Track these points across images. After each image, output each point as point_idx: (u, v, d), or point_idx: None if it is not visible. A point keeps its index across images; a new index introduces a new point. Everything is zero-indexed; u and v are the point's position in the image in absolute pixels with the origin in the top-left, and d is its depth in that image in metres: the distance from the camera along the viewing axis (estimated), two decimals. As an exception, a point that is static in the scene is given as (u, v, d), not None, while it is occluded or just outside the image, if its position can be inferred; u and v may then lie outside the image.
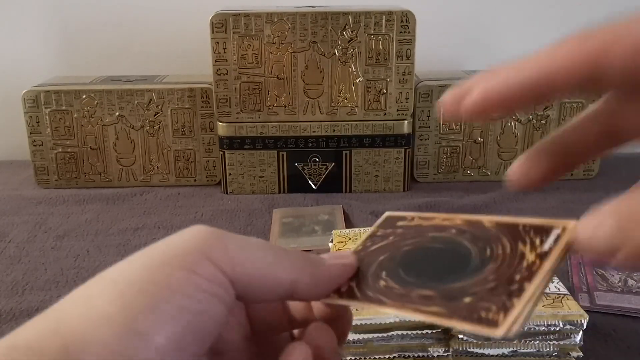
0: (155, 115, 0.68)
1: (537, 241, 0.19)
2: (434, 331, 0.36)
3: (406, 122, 0.67)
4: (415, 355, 0.36)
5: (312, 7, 0.65)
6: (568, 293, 0.37)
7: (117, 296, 0.18)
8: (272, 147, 0.67)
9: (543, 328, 0.35)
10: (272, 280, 0.20)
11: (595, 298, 0.45)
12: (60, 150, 0.69)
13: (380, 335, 0.36)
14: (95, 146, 0.69)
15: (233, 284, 0.19)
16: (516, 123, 0.69)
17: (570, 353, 0.36)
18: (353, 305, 0.22)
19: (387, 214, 0.25)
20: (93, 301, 0.18)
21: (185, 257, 0.19)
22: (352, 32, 0.63)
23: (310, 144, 0.67)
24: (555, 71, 0.17)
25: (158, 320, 0.18)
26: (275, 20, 0.62)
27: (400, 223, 0.24)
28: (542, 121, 0.69)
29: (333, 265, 0.22)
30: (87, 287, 0.19)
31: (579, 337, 0.36)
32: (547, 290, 0.37)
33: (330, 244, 0.46)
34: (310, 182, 0.68)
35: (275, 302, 0.23)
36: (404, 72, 0.65)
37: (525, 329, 0.35)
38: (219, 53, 0.63)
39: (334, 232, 0.47)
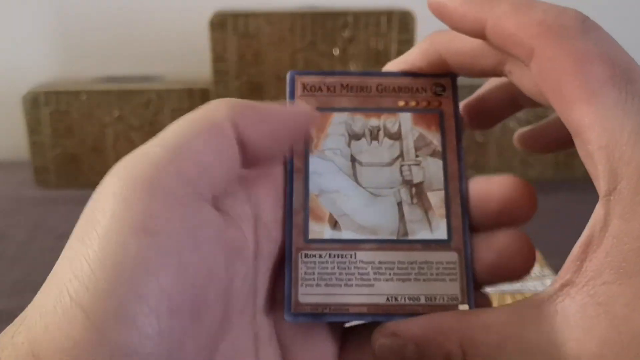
0: (155, 115, 0.68)
1: None
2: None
3: (406, 122, 0.67)
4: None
5: (312, 7, 0.65)
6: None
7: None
8: (272, 147, 0.67)
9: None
10: None
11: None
12: (60, 150, 0.69)
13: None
14: (95, 146, 0.69)
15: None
16: (516, 124, 0.69)
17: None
18: None
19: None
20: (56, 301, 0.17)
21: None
22: (352, 32, 0.63)
23: (310, 144, 0.67)
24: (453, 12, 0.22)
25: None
26: (275, 20, 0.62)
27: None
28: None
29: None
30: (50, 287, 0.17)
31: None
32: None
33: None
34: (310, 182, 0.68)
35: None
36: (404, 72, 0.65)
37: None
38: (218, 53, 0.63)
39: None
